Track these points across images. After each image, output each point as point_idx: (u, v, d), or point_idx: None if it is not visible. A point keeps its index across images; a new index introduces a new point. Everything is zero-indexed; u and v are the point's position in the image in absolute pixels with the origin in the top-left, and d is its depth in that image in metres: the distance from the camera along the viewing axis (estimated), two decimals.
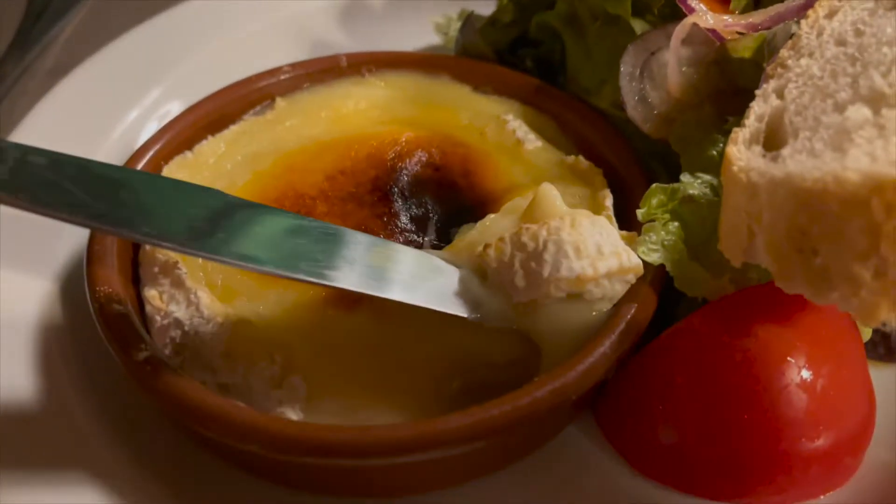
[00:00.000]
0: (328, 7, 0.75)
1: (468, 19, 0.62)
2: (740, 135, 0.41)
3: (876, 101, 0.37)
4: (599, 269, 0.42)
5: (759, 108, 0.41)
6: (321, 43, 0.72)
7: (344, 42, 0.74)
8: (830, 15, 0.46)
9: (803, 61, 0.42)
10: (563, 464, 0.46)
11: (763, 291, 0.44)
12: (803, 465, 0.42)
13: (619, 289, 0.43)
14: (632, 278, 0.44)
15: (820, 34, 0.44)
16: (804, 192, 0.35)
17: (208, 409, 0.39)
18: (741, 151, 0.40)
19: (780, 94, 0.41)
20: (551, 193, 0.44)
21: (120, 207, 0.40)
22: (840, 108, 0.38)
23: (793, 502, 0.43)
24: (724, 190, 0.40)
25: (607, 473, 0.45)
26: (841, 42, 0.43)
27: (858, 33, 0.43)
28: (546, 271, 0.42)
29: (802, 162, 0.36)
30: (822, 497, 0.44)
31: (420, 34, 0.73)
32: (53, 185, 0.40)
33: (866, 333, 0.47)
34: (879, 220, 0.34)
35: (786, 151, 0.38)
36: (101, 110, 0.62)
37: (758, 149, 0.40)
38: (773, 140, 0.40)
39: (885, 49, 0.41)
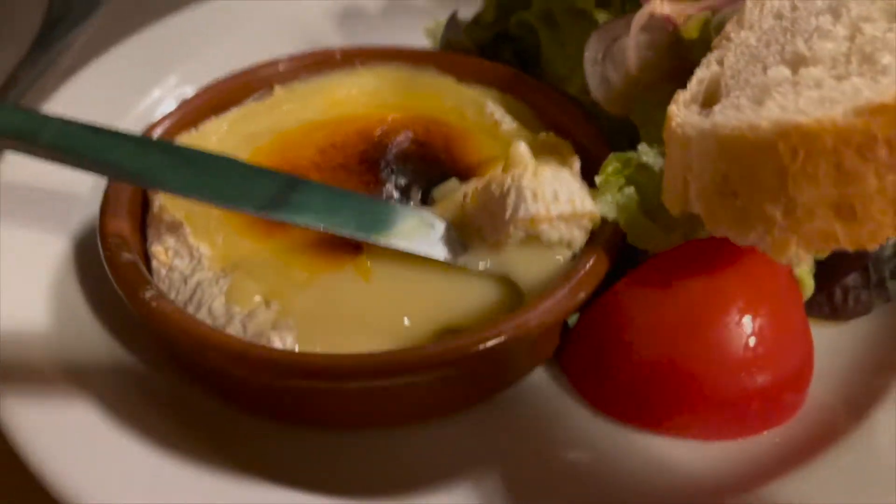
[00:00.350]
0: (328, 9, 0.81)
1: (452, 18, 0.68)
2: (681, 96, 0.45)
3: (796, 63, 0.42)
4: (552, 211, 0.47)
5: (701, 74, 0.46)
6: (321, 42, 0.78)
7: (341, 42, 0.80)
8: None
9: (743, 33, 0.47)
10: (526, 406, 0.50)
11: (706, 244, 0.48)
12: (745, 399, 0.46)
13: (578, 235, 0.48)
14: (587, 224, 0.48)
15: (762, 10, 0.49)
16: (725, 140, 0.39)
17: (206, 339, 0.44)
18: (679, 110, 0.44)
19: (720, 62, 0.46)
20: (523, 150, 0.49)
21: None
22: (765, 70, 0.43)
23: (739, 436, 0.48)
24: (666, 146, 0.45)
25: (568, 415, 0.49)
26: (778, 16, 0.47)
27: (794, 8, 0.47)
28: (507, 213, 0.46)
29: (727, 114, 0.41)
30: (765, 433, 0.48)
31: (411, 38, 0.79)
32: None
33: (808, 290, 0.52)
34: (786, 163, 0.37)
35: (717, 108, 0.42)
36: (120, 92, 0.67)
37: (695, 107, 0.44)
38: (709, 100, 0.45)
39: (813, 19, 0.46)
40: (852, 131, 0.37)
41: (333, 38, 0.79)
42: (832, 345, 0.53)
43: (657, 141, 0.52)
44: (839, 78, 0.41)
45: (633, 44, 0.53)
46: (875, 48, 0.42)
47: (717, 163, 0.40)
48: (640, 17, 0.53)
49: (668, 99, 0.53)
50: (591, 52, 0.55)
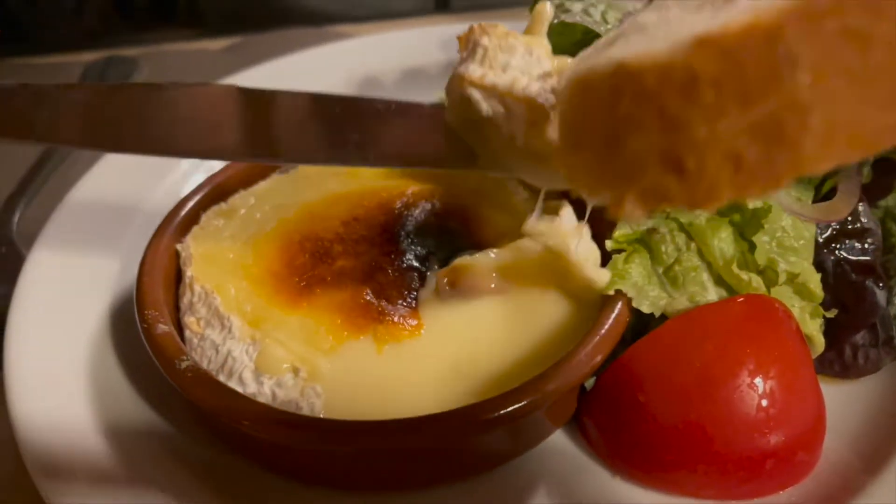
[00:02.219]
0: (349, 81, 0.85)
1: None
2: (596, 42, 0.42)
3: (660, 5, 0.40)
4: (485, 80, 0.46)
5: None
6: None
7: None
8: None
9: None
10: (546, 468, 0.51)
11: (715, 308, 0.50)
12: (760, 459, 0.47)
13: (518, 125, 0.47)
14: (524, 112, 0.46)
15: None
16: (573, 84, 0.37)
17: (238, 408, 0.46)
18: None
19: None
20: (545, 11, 0.49)
21: None
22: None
23: (755, 496, 0.49)
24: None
25: (588, 475, 0.50)
26: None
27: None
28: (459, 66, 0.47)
29: (584, 60, 0.39)
30: (781, 492, 0.50)
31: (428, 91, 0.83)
32: None
33: (818, 348, 0.54)
34: (613, 107, 0.34)
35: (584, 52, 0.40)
36: (150, 167, 0.71)
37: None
38: None
39: None
40: (673, 68, 0.33)
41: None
42: (844, 402, 0.54)
43: None
44: (687, 13, 0.37)
45: None
46: None
47: (572, 105, 0.38)
48: None
49: None
50: None
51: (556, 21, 0.56)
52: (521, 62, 0.47)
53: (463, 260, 0.53)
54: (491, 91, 0.46)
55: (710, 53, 0.32)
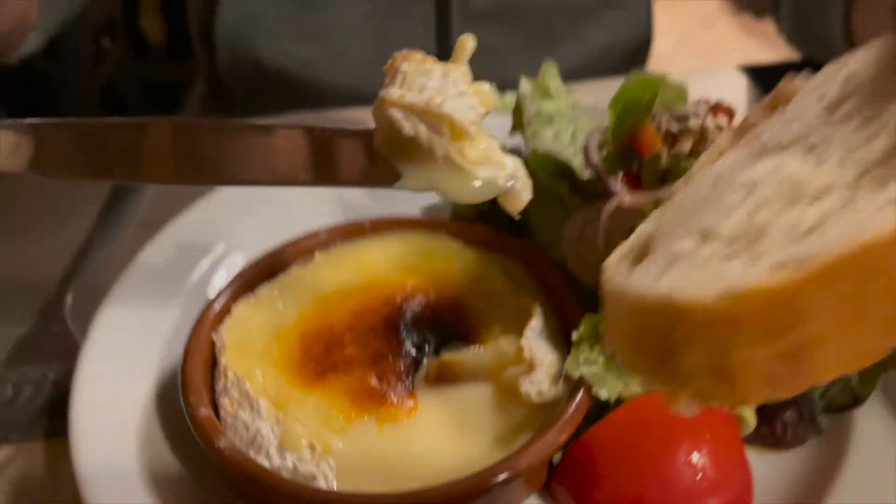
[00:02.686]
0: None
1: None
2: (619, 250, 0.49)
3: (703, 235, 0.45)
4: (405, 98, 0.54)
5: (639, 230, 0.50)
6: (351, 202, 0.93)
7: (367, 201, 0.94)
8: (717, 157, 0.53)
9: (683, 193, 0.51)
10: None
11: (661, 396, 0.60)
12: None
13: (436, 140, 0.55)
14: (445, 130, 0.54)
15: (704, 172, 0.51)
16: (630, 302, 0.43)
17: (265, 481, 0.57)
18: (612, 264, 0.48)
19: (657, 219, 0.50)
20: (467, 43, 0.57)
21: None
22: (681, 238, 0.45)
23: None
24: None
25: None
26: (713, 182, 0.50)
27: (726, 176, 0.49)
28: (382, 91, 0.56)
29: (637, 278, 0.45)
30: None
31: (425, 195, 0.93)
32: None
33: (751, 425, 0.63)
34: (668, 333, 0.39)
35: (637, 268, 0.45)
36: (179, 263, 0.81)
37: (625, 263, 0.48)
38: (640, 256, 0.48)
39: (731, 193, 0.47)
40: (718, 311, 0.39)
41: (362, 199, 0.94)
42: (776, 469, 0.64)
43: None
44: (727, 258, 0.43)
45: (602, 228, 0.66)
46: (759, 232, 0.44)
47: (626, 320, 0.44)
48: (608, 208, 0.66)
49: None
50: (569, 232, 0.69)
51: (531, 150, 0.67)
52: (437, 84, 0.54)
53: (449, 355, 0.64)
54: (409, 109, 0.53)
55: (748, 304, 0.38)
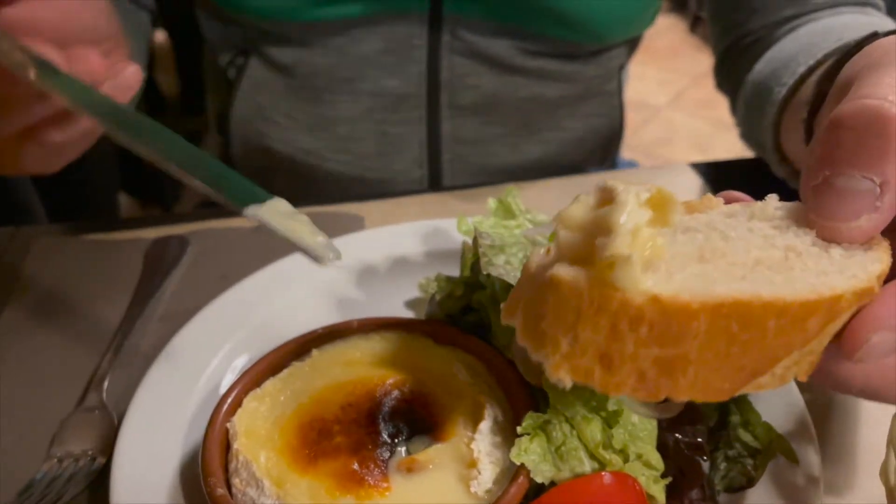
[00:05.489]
0: (351, 272, 1.12)
1: (432, 298, 0.97)
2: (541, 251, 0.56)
3: None
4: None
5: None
6: (344, 298, 1.08)
7: (358, 295, 1.10)
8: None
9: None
10: None
11: (586, 479, 0.75)
12: None
13: None
14: None
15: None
16: (552, 277, 0.50)
17: None
18: (537, 259, 0.55)
19: None
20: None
21: None
22: None
23: None
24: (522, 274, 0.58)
25: None
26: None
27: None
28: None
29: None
30: None
31: (408, 290, 1.09)
32: None
33: (661, 502, 0.78)
34: (584, 308, 0.47)
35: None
36: (191, 364, 0.96)
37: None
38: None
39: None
40: (631, 305, 0.46)
41: (355, 292, 1.10)
42: None
43: (559, 401, 0.79)
44: (668, 273, 0.50)
45: None
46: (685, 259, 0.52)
47: (541, 292, 0.51)
48: None
49: None
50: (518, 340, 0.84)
51: (486, 274, 0.82)
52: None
53: (416, 452, 0.78)
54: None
55: (656, 308, 0.46)
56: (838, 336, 0.52)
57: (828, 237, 0.54)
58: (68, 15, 0.85)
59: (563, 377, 0.50)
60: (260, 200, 0.63)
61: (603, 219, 0.51)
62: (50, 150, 0.84)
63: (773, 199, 0.59)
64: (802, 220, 0.56)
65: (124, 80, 0.78)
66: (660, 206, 0.56)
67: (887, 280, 0.53)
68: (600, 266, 0.48)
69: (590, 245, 0.50)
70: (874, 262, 0.52)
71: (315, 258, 0.60)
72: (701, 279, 0.50)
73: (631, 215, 0.51)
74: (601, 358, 0.49)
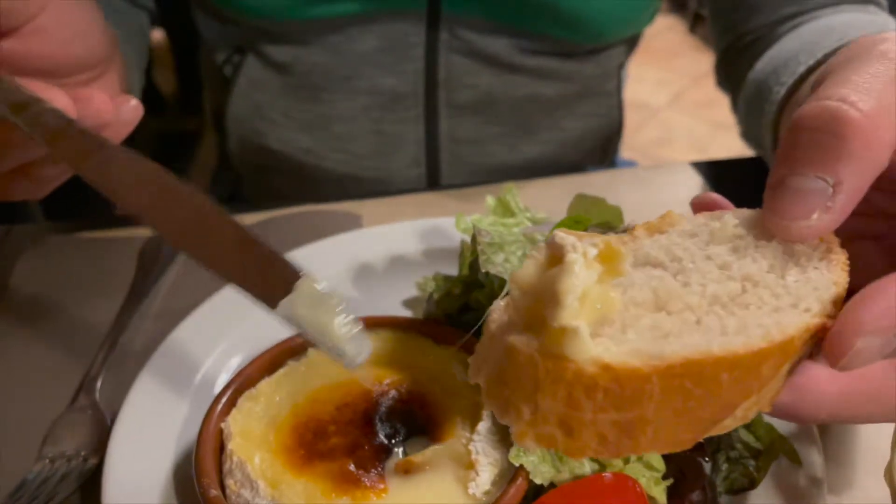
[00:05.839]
0: (348, 271, 1.11)
1: (430, 297, 0.96)
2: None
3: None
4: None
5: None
6: (344, 294, 1.07)
7: (356, 294, 1.08)
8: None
9: None
10: None
11: (586, 481, 0.74)
12: None
13: None
14: None
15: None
16: (508, 347, 0.50)
17: None
18: (497, 318, 0.55)
19: None
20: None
21: None
22: None
23: None
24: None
25: None
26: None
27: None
28: None
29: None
30: None
31: (406, 289, 1.08)
32: None
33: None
34: (540, 378, 0.48)
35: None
36: (186, 363, 0.95)
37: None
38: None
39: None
40: (584, 374, 0.47)
41: (352, 291, 1.08)
42: None
43: None
44: (622, 328, 0.52)
45: None
46: (630, 322, 0.52)
47: (502, 359, 0.51)
48: None
49: None
50: None
51: (485, 272, 0.81)
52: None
53: (413, 454, 0.77)
54: None
55: (608, 375, 0.46)
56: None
57: (782, 236, 0.55)
58: (63, 47, 0.85)
59: (528, 444, 0.51)
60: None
61: (550, 285, 0.51)
62: (41, 181, 0.85)
63: (730, 219, 0.59)
64: (762, 232, 0.57)
65: (124, 115, 0.78)
66: (610, 258, 0.57)
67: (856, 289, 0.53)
68: (551, 336, 0.48)
69: (540, 310, 0.50)
70: (829, 287, 0.53)
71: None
72: (654, 333, 0.51)
73: (578, 279, 0.51)
74: (561, 424, 0.49)
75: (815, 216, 0.52)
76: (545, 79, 1.53)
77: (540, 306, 0.51)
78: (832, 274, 0.55)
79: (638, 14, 1.54)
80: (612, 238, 0.58)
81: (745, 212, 0.61)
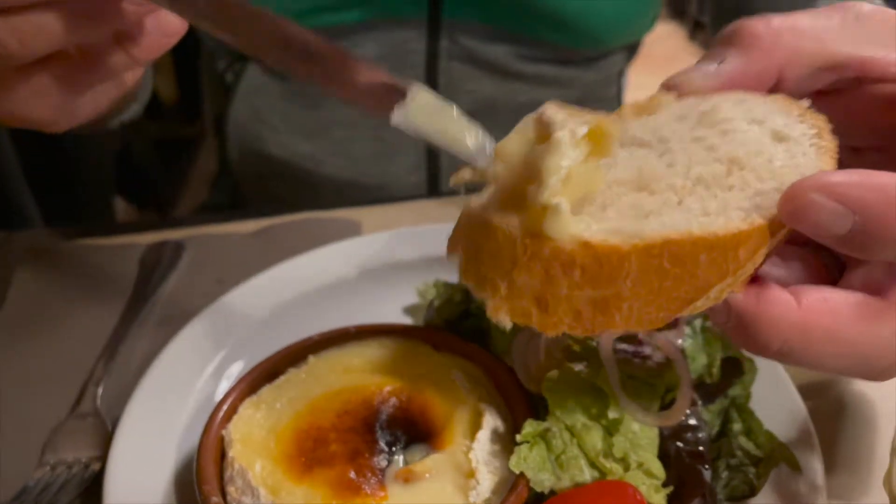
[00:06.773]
0: (348, 278, 1.11)
1: (430, 304, 0.96)
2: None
3: None
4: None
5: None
6: (341, 304, 1.07)
7: (355, 301, 1.08)
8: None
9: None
10: None
11: (586, 489, 0.74)
12: None
13: None
14: None
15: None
16: (488, 223, 0.52)
17: None
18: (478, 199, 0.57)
19: None
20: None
21: None
22: None
23: None
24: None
25: None
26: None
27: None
28: None
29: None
30: None
31: (407, 296, 1.08)
32: None
33: None
34: (518, 255, 0.49)
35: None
36: (187, 370, 0.95)
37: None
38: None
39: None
40: (562, 252, 0.48)
41: (353, 296, 1.09)
42: None
43: (559, 409, 0.78)
44: (603, 206, 0.52)
45: (542, 344, 0.81)
46: (610, 202, 0.53)
47: (479, 235, 0.53)
48: None
49: (569, 382, 0.80)
50: (516, 345, 0.83)
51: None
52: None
53: (413, 463, 0.77)
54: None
55: (587, 253, 0.48)
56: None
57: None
58: None
59: (502, 318, 0.52)
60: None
61: (535, 162, 0.51)
62: (71, 93, 0.76)
63: (720, 102, 0.60)
64: (753, 116, 0.58)
65: (167, 24, 0.77)
66: (599, 137, 0.56)
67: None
68: (532, 213, 0.49)
69: (524, 187, 0.51)
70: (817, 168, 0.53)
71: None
72: (635, 212, 0.51)
73: (563, 159, 0.50)
74: (537, 300, 0.50)
75: (708, 76, 0.61)
76: (545, 85, 1.53)
77: (522, 182, 0.51)
78: (820, 161, 0.54)
79: (637, 20, 1.54)
80: (603, 117, 0.57)
81: (734, 95, 0.60)
